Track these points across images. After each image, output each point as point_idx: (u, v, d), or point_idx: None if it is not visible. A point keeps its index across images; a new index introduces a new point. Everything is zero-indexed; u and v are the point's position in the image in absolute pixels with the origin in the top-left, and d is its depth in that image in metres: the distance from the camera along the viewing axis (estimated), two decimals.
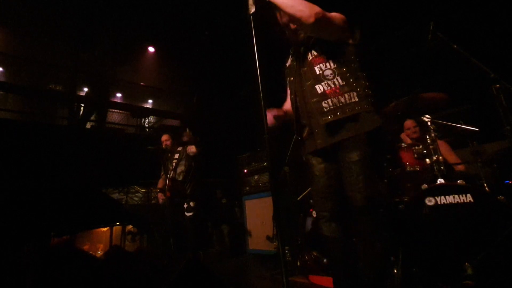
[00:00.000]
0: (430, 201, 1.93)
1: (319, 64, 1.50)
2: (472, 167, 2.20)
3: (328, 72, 1.48)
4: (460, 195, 1.82)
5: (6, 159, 4.29)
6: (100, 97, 6.75)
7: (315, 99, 1.48)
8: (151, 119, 8.52)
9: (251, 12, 1.39)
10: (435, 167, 2.03)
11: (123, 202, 5.25)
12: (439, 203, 1.90)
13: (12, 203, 3.60)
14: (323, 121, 1.44)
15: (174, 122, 8.47)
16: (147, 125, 8.16)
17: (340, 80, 1.46)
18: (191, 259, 1.22)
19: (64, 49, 7.00)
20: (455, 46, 1.91)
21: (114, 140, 6.40)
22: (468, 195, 1.80)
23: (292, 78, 1.64)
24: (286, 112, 1.74)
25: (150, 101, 10.20)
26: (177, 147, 3.70)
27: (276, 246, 3.19)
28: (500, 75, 1.81)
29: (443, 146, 2.47)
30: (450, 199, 1.86)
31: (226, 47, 6.09)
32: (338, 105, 1.43)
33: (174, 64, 8.21)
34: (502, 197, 1.78)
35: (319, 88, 1.48)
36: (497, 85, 1.80)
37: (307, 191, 3.19)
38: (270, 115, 1.62)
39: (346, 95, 1.44)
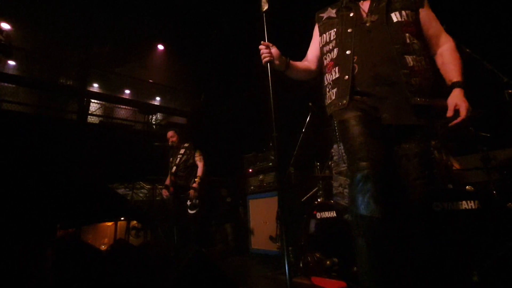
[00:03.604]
0: (437, 207, 1.91)
1: (409, 32, 1.30)
2: (482, 173, 2.17)
3: (416, 46, 1.30)
4: (468, 201, 1.80)
5: (15, 152, 4.36)
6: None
7: (405, 71, 1.25)
8: (158, 116, 8.58)
9: (264, 9, 1.39)
10: (443, 172, 2.01)
11: (128, 198, 5.29)
12: (446, 208, 1.88)
13: (19, 196, 3.66)
14: (413, 101, 1.24)
15: (181, 120, 8.52)
16: (154, 122, 8.21)
17: (424, 62, 1.30)
18: (197, 253, 1.23)
19: (75, 44, 7.10)
20: (468, 50, 1.89)
21: (122, 135, 6.47)
22: (477, 201, 1.77)
23: (350, 30, 1.38)
24: (290, 62, 1.52)
25: (158, 98, 10.29)
26: (183, 144, 3.73)
27: (279, 246, 3.19)
28: None
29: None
30: (458, 205, 1.84)
31: (234, 46, 6.11)
32: (425, 88, 1.26)
33: (182, 62, 8.26)
34: (511, 205, 1.75)
35: (409, 60, 1.27)
36: (510, 90, 1.77)
37: (311, 192, 3.18)
38: (267, 49, 1.45)
39: (429, 79, 1.29)
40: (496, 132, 2.16)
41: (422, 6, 1.37)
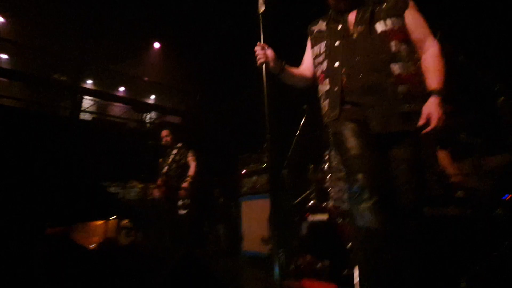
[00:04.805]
0: (427, 212, 1.92)
1: (395, 39, 1.30)
2: (472, 179, 2.19)
3: (404, 53, 1.30)
4: (459, 207, 1.81)
5: (4, 147, 4.28)
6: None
7: (391, 80, 1.26)
8: (152, 114, 8.52)
9: (261, 11, 1.39)
10: (434, 178, 2.02)
11: (120, 196, 5.23)
12: (436, 214, 1.89)
13: (7, 193, 3.59)
14: (401, 109, 1.25)
15: (176, 119, 8.47)
16: (148, 121, 8.15)
17: (414, 66, 1.30)
18: (186, 254, 1.21)
19: (70, 40, 7.03)
20: (461, 56, 1.91)
21: (115, 133, 6.41)
22: (467, 207, 1.79)
23: (338, 43, 1.41)
24: (286, 66, 1.54)
25: (152, 96, 10.21)
26: (176, 143, 3.70)
27: (271, 248, 3.17)
28: (506, 86, 1.81)
29: (443, 156, 2.46)
30: (448, 210, 1.85)
31: (231, 46, 6.10)
32: (414, 94, 1.26)
33: (178, 61, 8.23)
34: (501, 211, 1.76)
35: (396, 68, 1.27)
36: (502, 97, 1.80)
37: (304, 195, 3.18)
38: (262, 51, 1.46)
39: (418, 85, 1.28)
40: (488, 138, 2.18)
41: (407, 8, 1.37)
